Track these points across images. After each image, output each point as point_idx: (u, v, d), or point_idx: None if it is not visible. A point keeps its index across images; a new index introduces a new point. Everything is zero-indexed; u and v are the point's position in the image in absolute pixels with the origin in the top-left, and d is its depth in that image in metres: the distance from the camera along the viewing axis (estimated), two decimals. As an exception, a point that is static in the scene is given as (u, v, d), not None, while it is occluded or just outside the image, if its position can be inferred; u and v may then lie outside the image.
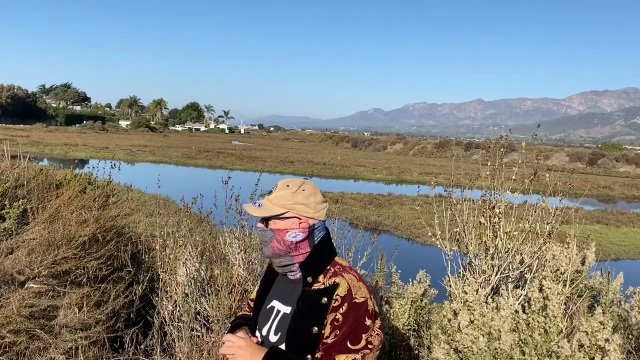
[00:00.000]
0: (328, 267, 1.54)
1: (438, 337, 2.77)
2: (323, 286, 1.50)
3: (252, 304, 1.79)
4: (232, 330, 1.69)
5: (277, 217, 1.53)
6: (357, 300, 1.46)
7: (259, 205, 1.54)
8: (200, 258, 3.62)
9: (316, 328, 1.45)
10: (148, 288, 3.57)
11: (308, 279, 1.52)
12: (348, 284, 1.48)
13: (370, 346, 1.44)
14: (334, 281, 1.50)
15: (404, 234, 15.21)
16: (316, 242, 1.56)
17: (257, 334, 1.60)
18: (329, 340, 1.43)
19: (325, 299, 1.47)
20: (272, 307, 1.60)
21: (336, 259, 1.58)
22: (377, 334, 1.47)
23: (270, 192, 1.57)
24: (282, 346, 1.49)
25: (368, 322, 1.45)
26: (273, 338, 1.53)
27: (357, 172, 35.27)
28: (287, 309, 1.54)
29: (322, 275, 1.52)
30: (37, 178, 3.57)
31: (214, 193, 4.02)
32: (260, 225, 1.57)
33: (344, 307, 1.45)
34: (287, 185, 1.55)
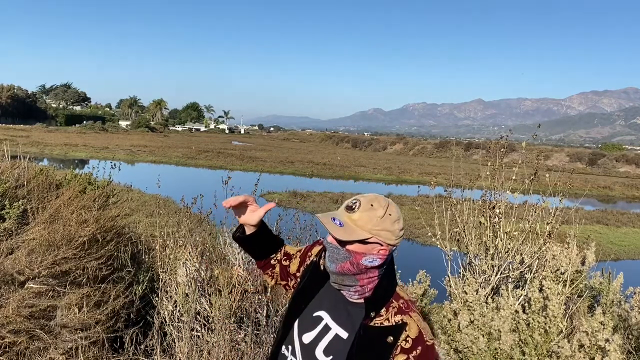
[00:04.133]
0: (392, 299, 1.46)
1: (438, 337, 2.77)
2: (387, 322, 1.43)
3: (288, 264, 1.72)
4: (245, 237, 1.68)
5: (359, 241, 1.39)
6: (428, 344, 1.41)
7: (341, 224, 1.39)
8: (200, 258, 3.62)
9: None
10: (148, 288, 3.57)
11: (371, 313, 1.43)
12: (418, 325, 1.42)
13: None
14: (401, 319, 1.43)
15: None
16: (385, 269, 1.47)
17: (296, 338, 1.50)
18: None
19: (392, 338, 1.39)
20: (319, 318, 1.50)
21: (397, 290, 1.50)
22: None
23: (352, 208, 1.41)
24: None
25: None
26: (322, 357, 1.45)
27: (357, 172, 35.25)
28: (344, 334, 1.45)
29: (384, 309, 1.45)
30: (37, 178, 3.57)
31: (214, 193, 4.02)
32: (333, 241, 1.42)
33: (417, 350, 1.39)
34: (372, 205, 1.40)
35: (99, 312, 3.00)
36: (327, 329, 1.47)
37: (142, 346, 3.33)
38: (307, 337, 1.48)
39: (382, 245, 1.41)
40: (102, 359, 3.04)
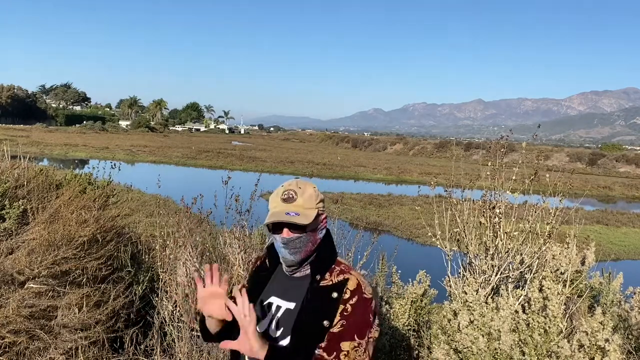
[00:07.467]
0: (334, 266, 1.59)
1: (438, 337, 2.77)
2: (331, 283, 1.54)
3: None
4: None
5: (315, 218, 1.55)
6: (366, 296, 1.52)
7: (296, 214, 1.50)
8: (200, 258, 3.61)
9: (327, 322, 1.49)
10: (148, 288, 3.57)
11: (317, 276, 1.56)
12: (357, 279, 1.54)
13: (371, 339, 1.52)
14: (344, 277, 1.55)
15: (404, 234, 15.19)
16: (324, 238, 1.62)
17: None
18: (335, 330, 1.48)
19: (336, 294, 1.51)
20: (270, 304, 1.60)
21: (338, 258, 1.63)
22: (377, 329, 1.55)
23: (291, 198, 1.53)
24: (287, 340, 1.51)
25: (371, 317, 1.53)
26: (274, 333, 1.54)
27: (357, 172, 35.24)
28: (291, 305, 1.55)
29: (328, 273, 1.57)
30: (37, 178, 3.57)
31: (214, 193, 4.02)
32: (294, 234, 1.52)
33: (353, 299, 1.50)
34: (300, 188, 1.56)
35: (99, 312, 3.00)
36: (277, 309, 1.58)
37: (142, 346, 3.33)
38: (262, 326, 1.56)
39: (323, 214, 1.59)
40: (102, 359, 3.04)
